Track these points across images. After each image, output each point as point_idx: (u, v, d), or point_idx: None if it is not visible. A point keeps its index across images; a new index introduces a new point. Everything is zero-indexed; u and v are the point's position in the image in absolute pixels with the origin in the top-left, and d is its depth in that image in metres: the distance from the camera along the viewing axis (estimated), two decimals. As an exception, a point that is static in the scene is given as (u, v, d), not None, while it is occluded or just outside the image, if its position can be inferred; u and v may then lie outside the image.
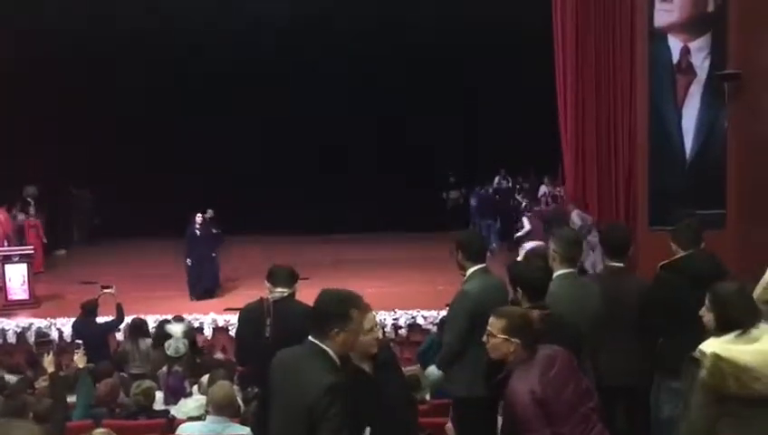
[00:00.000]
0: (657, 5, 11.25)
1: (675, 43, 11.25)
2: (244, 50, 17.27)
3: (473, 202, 17.55)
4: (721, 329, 3.57)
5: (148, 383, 6.36)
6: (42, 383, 6.60)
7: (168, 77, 17.92)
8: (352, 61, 17.72)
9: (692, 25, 11.14)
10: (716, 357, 3.40)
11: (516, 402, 3.54)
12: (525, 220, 14.37)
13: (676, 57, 11.27)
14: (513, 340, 3.62)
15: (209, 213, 13.72)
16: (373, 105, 18.18)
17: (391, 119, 18.56)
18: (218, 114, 18.29)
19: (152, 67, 17.64)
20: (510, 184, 18.20)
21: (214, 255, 13.30)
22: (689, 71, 11.23)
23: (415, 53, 17.49)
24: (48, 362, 5.86)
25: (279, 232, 16.89)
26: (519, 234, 14.09)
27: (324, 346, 3.31)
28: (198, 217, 13.24)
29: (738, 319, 3.53)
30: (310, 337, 3.36)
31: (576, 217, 12.26)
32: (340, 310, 3.34)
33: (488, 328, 3.71)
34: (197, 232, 13.13)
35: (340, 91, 18.06)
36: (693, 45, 11.17)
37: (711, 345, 3.49)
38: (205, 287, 13.05)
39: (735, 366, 3.37)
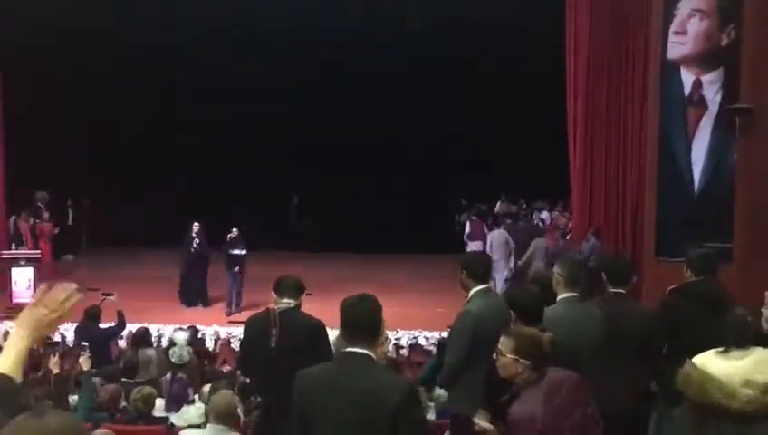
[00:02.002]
0: (671, 38, 11.31)
1: (687, 76, 11.29)
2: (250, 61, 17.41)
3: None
4: None
5: (148, 390, 6.38)
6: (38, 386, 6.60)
7: (170, 88, 18.13)
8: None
9: (705, 59, 11.19)
10: (691, 364, 3.61)
11: (516, 429, 3.52)
12: (468, 223, 16.03)
13: (687, 90, 11.30)
14: (521, 361, 3.60)
15: (234, 232, 13.26)
16: (382, 132, 18.36)
17: (397, 146, 18.66)
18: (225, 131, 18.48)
19: (156, 78, 17.89)
20: (520, 208, 18.36)
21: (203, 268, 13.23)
22: (701, 104, 11.26)
23: (421, 94, 17.72)
24: (53, 363, 5.91)
25: (282, 249, 16.91)
26: (465, 236, 15.82)
27: (372, 354, 3.28)
28: (195, 226, 13.26)
29: (720, 337, 3.78)
30: (353, 348, 3.29)
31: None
32: (380, 316, 3.36)
33: (498, 347, 3.69)
34: (193, 241, 13.19)
35: (346, 123, 18.13)
36: (705, 79, 11.21)
37: (698, 356, 3.73)
38: (191, 298, 13.16)
39: (703, 373, 3.56)
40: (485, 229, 15.63)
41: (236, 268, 13.04)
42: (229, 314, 12.65)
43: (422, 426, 3.17)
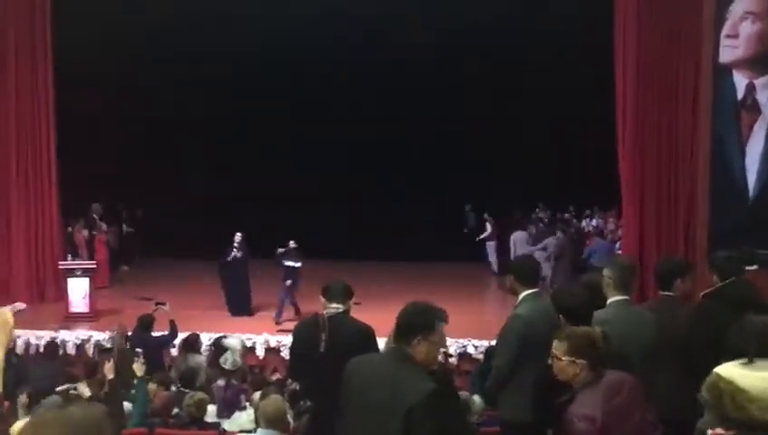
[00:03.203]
0: (723, 41, 11.13)
1: (740, 80, 11.10)
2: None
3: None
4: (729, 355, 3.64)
5: (200, 395, 6.47)
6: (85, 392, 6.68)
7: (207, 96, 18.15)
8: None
9: (757, 62, 10.99)
10: (716, 375, 3.47)
11: (574, 429, 3.48)
12: (488, 224, 17.92)
13: (740, 94, 11.11)
14: (578, 361, 3.58)
15: (291, 244, 13.25)
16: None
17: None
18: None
19: (207, 87, 17.88)
20: (572, 215, 18.31)
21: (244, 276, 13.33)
22: (754, 108, 11.06)
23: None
24: (108, 368, 6.04)
25: (328, 257, 16.90)
26: (482, 236, 18.01)
27: (411, 353, 3.40)
28: (237, 236, 13.39)
29: (738, 347, 3.57)
30: (395, 345, 3.50)
31: None
32: (425, 319, 3.46)
33: (553, 351, 3.67)
34: (234, 252, 13.30)
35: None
36: (758, 82, 11.01)
37: (721, 366, 3.55)
38: (238, 307, 13.26)
39: (732, 385, 3.46)
40: (496, 230, 17.64)
41: (288, 281, 13.02)
42: (278, 323, 12.71)
43: (436, 431, 3.18)
